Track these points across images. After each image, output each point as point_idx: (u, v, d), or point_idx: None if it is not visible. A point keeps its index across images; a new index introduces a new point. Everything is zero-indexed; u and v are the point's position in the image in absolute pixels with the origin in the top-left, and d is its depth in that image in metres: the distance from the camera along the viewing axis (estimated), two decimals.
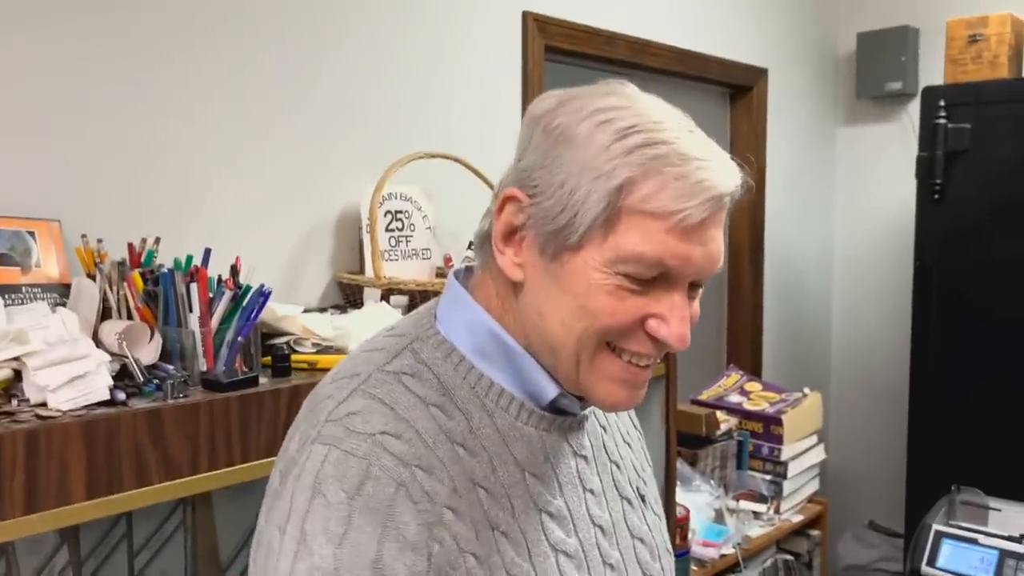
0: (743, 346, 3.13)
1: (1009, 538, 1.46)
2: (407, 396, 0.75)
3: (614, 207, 0.70)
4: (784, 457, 2.54)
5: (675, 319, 0.72)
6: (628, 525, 0.88)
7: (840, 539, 3.29)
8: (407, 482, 0.69)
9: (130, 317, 1.28)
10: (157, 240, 1.39)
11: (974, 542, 1.45)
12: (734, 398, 2.69)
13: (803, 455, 2.61)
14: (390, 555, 0.67)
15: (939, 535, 1.48)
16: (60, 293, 1.33)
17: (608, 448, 0.90)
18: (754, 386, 2.77)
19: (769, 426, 2.55)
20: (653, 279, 0.71)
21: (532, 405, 0.79)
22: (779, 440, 2.53)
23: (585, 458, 0.84)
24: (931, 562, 1.48)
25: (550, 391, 0.79)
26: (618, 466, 0.90)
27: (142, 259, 1.35)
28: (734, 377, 2.82)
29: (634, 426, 1.01)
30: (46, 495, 1.05)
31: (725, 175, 0.71)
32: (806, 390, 2.70)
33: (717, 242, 0.72)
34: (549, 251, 0.74)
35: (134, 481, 1.12)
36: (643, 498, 0.92)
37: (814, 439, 2.67)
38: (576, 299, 0.73)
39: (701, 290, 0.77)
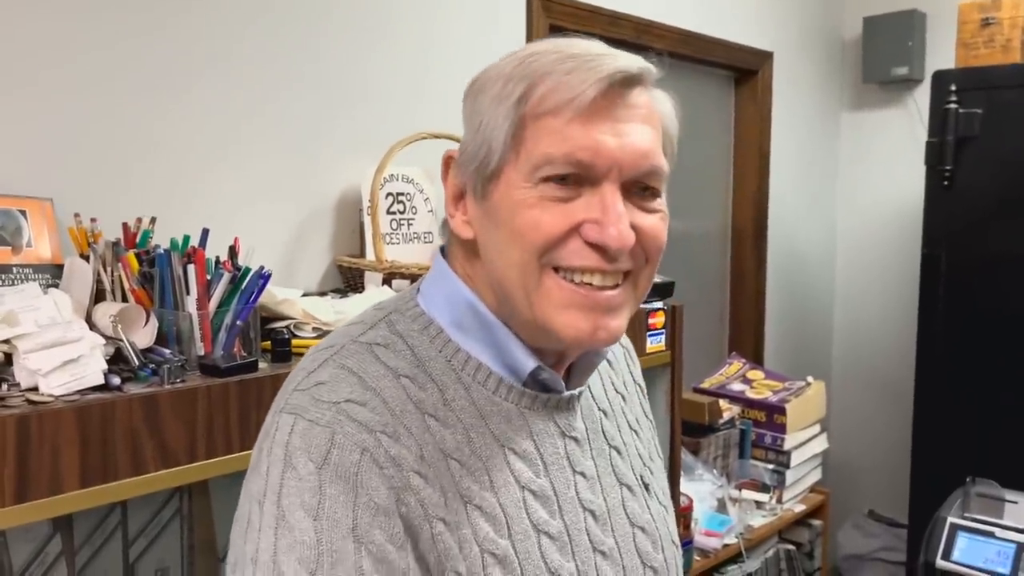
0: (745, 334, 3.10)
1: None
2: (376, 366, 0.74)
3: (518, 121, 0.71)
4: (787, 446, 2.51)
5: (609, 219, 0.70)
6: (627, 513, 0.84)
7: (840, 528, 3.27)
8: (371, 447, 0.68)
9: (124, 299, 1.24)
10: (152, 220, 1.34)
11: (990, 535, 1.42)
12: (737, 386, 2.66)
13: (806, 444, 2.59)
14: (365, 521, 0.66)
15: (954, 528, 1.45)
16: (52, 274, 1.29)
17: (608, 433, 0.87)
18: (757, 374, 2.74)
19: (772, 415, 2.52)
20: (578, 184, 0.71)
21: (512, 380, 0.77)
22: (782, 429, 2.51)
23: (576, 440, 0.81)
24: (946, 555, 1.45)
25: (528, 364, 0.77)
26: (619, 452, 0.87)
27: (137, 240, 1.31)
28: (736, 365, 2.79)
29: (645, 415, 0.98)
30: (38, 483, 1.01)
31: (623, 59, 0.71)
32: (809, 379, 2.67)
33: (638, 134, 0.71)
34: (479, 191, 0.75)
35: (129, 469, 1.08)
36: (647, 487, 0.89)
37: (817, 428, 2.65)
38: (507, 226, 0.72)
39: (660, 201, 0.75)
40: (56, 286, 1.26)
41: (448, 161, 0.80)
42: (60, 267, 1.29)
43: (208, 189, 1.56)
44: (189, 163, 1.53)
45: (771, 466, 2.53)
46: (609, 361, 0.94)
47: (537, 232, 0.70)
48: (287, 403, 0.72)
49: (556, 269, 0.72)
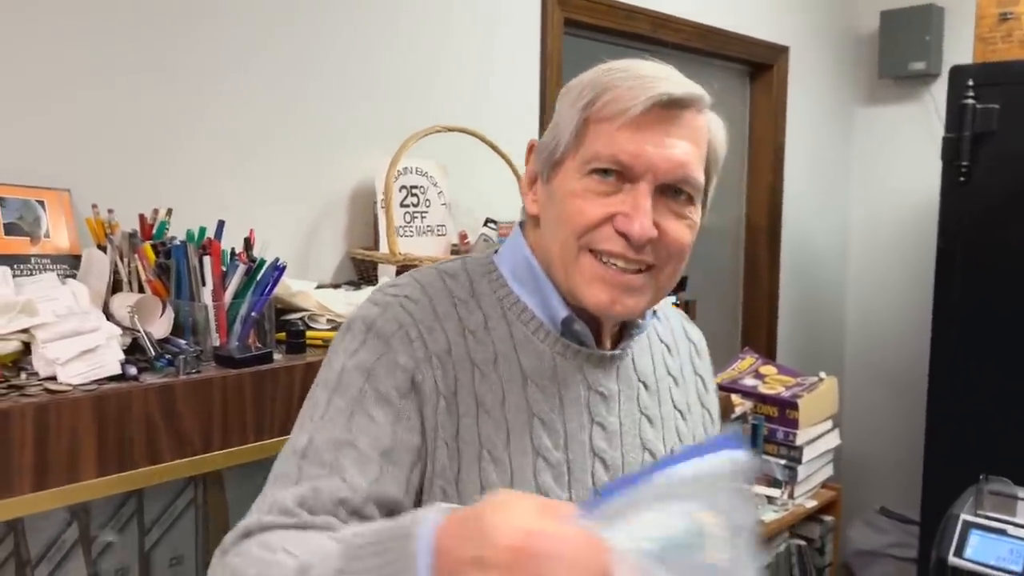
0: (758, 329, 3.09)
1: None
2: (439, 284, 0.90)
3: (582, 122, 0.85)
4: (799, 442, 2.49)
5: (637, 214, 0.82)
6: None
7: (851, 524, 3.26)
8: (407, 326, 0.85)
9: (141, 290, 1.25)
10: (169, 212, 1.35)
11: (1003, 533, 1.41)
12: (749, 381, 2.64)
13: (818, 440, 2.57)
14: (381, 370, 0.83)
15: (967, 525, 1.45)
16: (70, 264, 1.30)
17: (643, 402, 0.95)
18: (769, 369, 2.73)
19: (785, 410, 2.51)
20: (619, 180, 0.83)
21: (550, 327, 0.90)
22: (794, 424, 2.49)
23: (603, 396, 0.91)
24: (959, 552, 1.44)
25: (561, 311, 0.90)
26: (651, 421, 0.95)
27: (154, 231, 1.32)
28: (749, 360, 2.78)
29: (702, 404, 1.05)
30: (56, 471, 1.02)
31: (675, 84, 0.83)
32: (822, 374, 2.66)
33: (678, 148, 0.83)
34: (545, 175, 0.89)
35: (145, 458, 1.09)
36: None
37: (829, 424, 2.63)
38: (560, 207, 0.86)
39: (693, 209, 0.87)
40: (74, 276, 1.27)
41: (531, 148, 0.93)
42: (78, 258, 1.30)
43: (223, 182, 1.57)
44: (205, 156, 1.54)
45: (783, 461, 2.51)
46: (668, 346, 1.03)
47: (580, 218, 0.84)
48: (367, 299, 0.91)
49: (592, 251, 0.85)
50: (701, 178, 0.86)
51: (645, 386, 0.96)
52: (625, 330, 0.95)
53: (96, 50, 1.40)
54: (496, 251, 0.97)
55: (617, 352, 0.93)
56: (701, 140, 0.86)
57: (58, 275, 1.25)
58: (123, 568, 1.28)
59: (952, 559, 1.44)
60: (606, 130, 0.83)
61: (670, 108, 0.83)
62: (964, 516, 1.46)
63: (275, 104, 1.64)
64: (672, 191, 0.85)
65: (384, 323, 0.85)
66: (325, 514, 0.75)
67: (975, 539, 1.42)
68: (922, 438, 2.59)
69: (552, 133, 0.89)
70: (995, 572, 1.41)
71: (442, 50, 1.93)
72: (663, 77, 0.84)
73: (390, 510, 0.78)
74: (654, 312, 1.00)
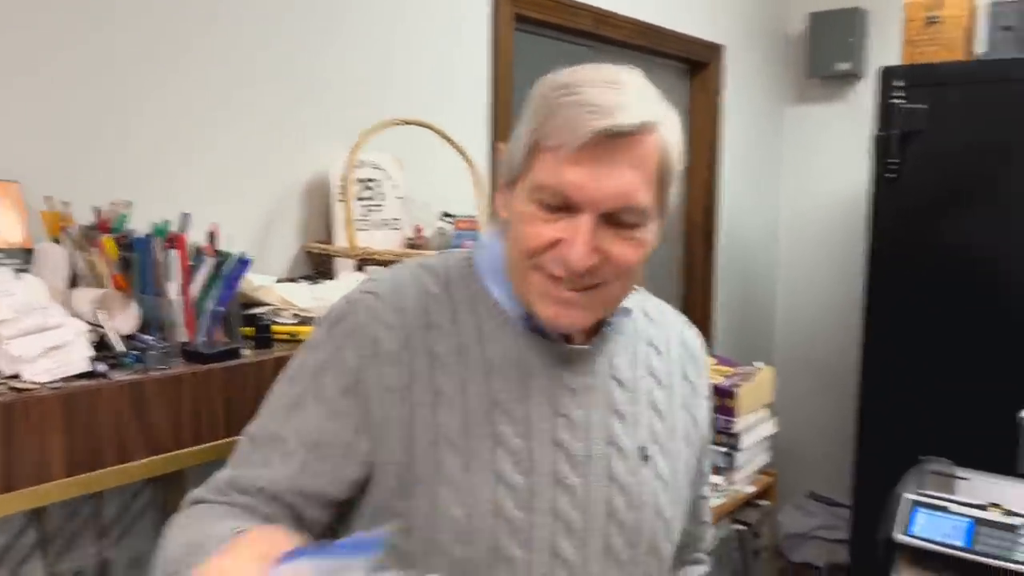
0: (695, 321, 3.16)
1: (979, 507, 1.51)
2: (413, 278, 0.94)
3: (532, 145, 0.86)
4: (738, 429, 2.57)
5: (575, 242, 0.83)
6: (610, 467, 0.93)
7: (781, 509, 3.38)
8: (365, 324, 0.89)
9: (101, 285, 1.21)
10: (128, 204, 1.31)
11: (945, 510, 1.49)
12: None
13: (756, 427, 2.66)
14: (330, 367, 0.89)
15: (912, 504, 1.52)
16: (22, 259, 1.25)
17: (616, 399, 0.96)
18: (708, 360, 2.80)
19: (724, 399, 2.58)
20: (562, 208, 0.84)
21: (519, 321, 0.93)
22: (733, 413, 2.57)
23: (570, 389, 0.93)
24: (905, 530, 1.52)
25: (521, 308, 0.92)
26: (622, 418, 0.96)
27: (112, 224, 1.28)
28: None
29: (685, 408, 1.04)
30: (23, 472, 0.99)
31: (623, 113, 0.82)
32: (759, 364, 2.75)
33: (621, 178, 0.83)
34: (507, 186, 0.91)
35: (115, 457, 1.06)
36: (646, 458, 0.96)
37: (766, 412, 2.72)
38: (514, 225, 0.89)
39: (642, 229, 0.87)
40: (26, 271, 1.22)
41: (500, 153, 0.97)
42: (30, 252, 1.25)
43: (175, 175, 1.52)
44: (158, 148, 1.50)
45: (723, 449, 2.59)
46: (657, 348, 1.03)
47: (528, 241, 0.86)
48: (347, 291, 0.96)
49: (540, 268, 0.87)
50: (647, 201, 0.85)
51: (619, 383, 0.97)
52: (599, 327, 0.97)
53: (44, 38, 1.34)
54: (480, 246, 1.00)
55: (586, 348, 0.95)
56: (649, 163, 0.85)
57: (10, 270, 1.20)
58: (81, 571, 1.24)
59: (899, 536, 1.51)
60: (551, 161, 0.84)
61: (615, 138, 0.82)
62: (908, 495, 1.54)
63: (228, 97, 1.61)
64: (616, 217, 0.85)
65: (345, 322, 0.90)
66: (248, 497, 0.86)
67: (921, 517, 1.50)
68: (850, 425, 2.70)
69: (513, 145, 0.90)
70: (940, 547, 1.49)
71: (395, 44, 1.92)
72: (611, 105, 0.82)
73: (317, 500, 0.88)
74: (629, 311, 1.00)
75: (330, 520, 0.91)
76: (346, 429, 0.88)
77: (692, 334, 1.12)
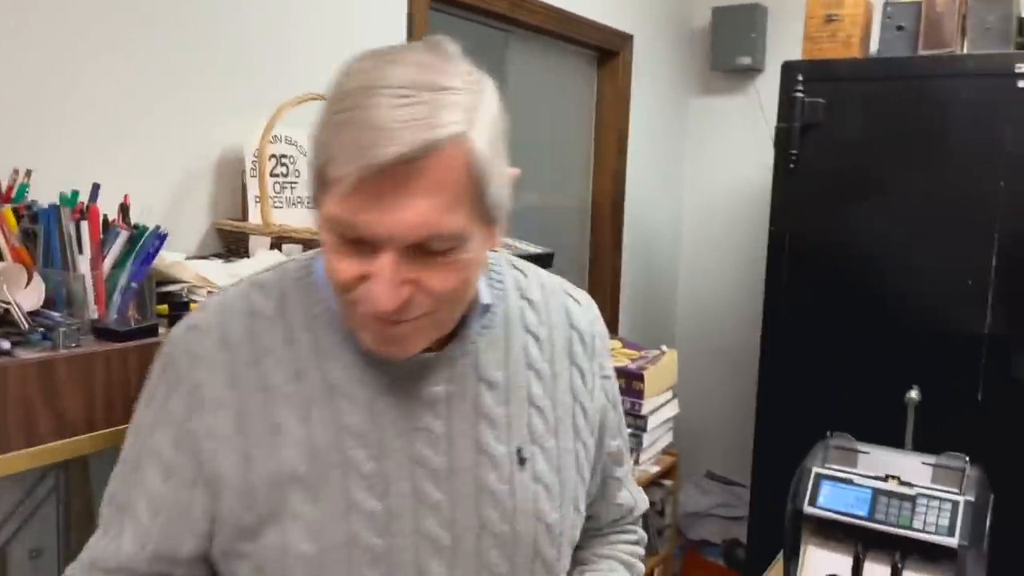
0: (602, 307, 3.22)
1: (877, 478, 1.60)
2: (242, 303, 0.86)
3: (319, 170, 0.73)
4: (644, 411, 2.64)
5: (377, 282, 0.73)
6: (478, 477, 0.87)
7: (680, 489, 3.49)
8: (187, 370, 0.83)
9: (1, 258, 1.14)
10: (28, 173, 1.23)
11: (849, 482, 1.57)
12: None
13: (661, 409, 2.73)
14: (160, 422, 0.84)
15: (819, 477, 1.60)
16: None
17: (484, 404, 0.88)
18: (615, 343, 2.86)
19: (631, 381, 2.64)
20: (363, 242, 0.73)
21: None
22: (640, 395, 2.63)
23: (426, 401, 0.85)
24: (812, 502, 1.59)
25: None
26: (492, 422, 0.88)
27: (13, 194, 1.20)
28: None
29: (575, 398, 0.97)
30: None
31: (403, 139, 0.69)
32: (663, 347, 2.82)
33: (413, 209, 0.71)
34: (314, 205, 0.79)
35: (23, 440, 1.00)
36: (522, 461, 0.90)
37: (670, 394, 2.80)
38: (324, 253, 0.79)
39: (457, 251, 0.75)
40: None
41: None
42: None
43: (79, 148, 1.44)
44: (63, 119, 1.41)
45: (630, 430, 2.65)
46: (535, 336, 0.94)
47: (336, 275, 0.76)
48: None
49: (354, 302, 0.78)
50: (457, 224, 0.73)
51: (489, 384, 0.89)
52: (457, 330, 0.88)
53: None
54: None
55: (440, 354, 0.86)
56: (452, 181, 0.72)
57: None
58: None
59: (807, 508, 1.58)
60: (337, 192, 0.71)
61: (406, 164, 0.69)
62: (815, 469, 1.61)
63: (136, 68, 1.53)
64: (426, 245, 0.73)
65: (169, 369, 0.85)
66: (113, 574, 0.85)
67: (826, 489, 1.57)
68: (749, 407, 2.81)
69: (310, 158, 0.77)
70: (844, 517, 1.57)
71: (310, 18, 1.87)
72: (395, 127, 0.69)
73: (180, 561, 0.85)
74: (487, 308, 0.91)
75: (210, 571, 0.88)
76: (183, 486, 0.83)
77: (581, 312, 1.01)
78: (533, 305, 0.96)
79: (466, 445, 0.86)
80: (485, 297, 0.90)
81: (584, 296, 1.05)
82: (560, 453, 0.94)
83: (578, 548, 1.04)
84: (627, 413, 2.63)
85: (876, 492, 1.54)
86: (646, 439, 2.67)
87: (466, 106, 0.73)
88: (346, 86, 0.73)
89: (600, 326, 1.04)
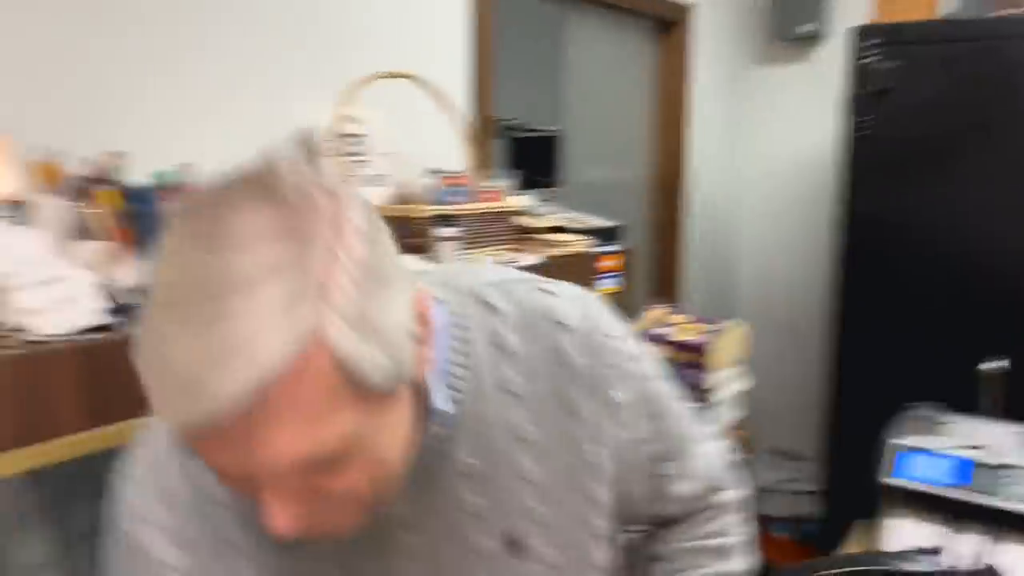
0: (667, 281, 3.21)
1: (969, 447, 1.56)
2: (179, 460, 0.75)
3: None
4: (709, 385, 2.62)
5: (269, 510, 0.60)
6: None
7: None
8: (131, 543, 0.77)
9: (101, 238, 1.17)
10: (121, 155, 1.27)
11: (939, 453, 1.54)
12: (661, 330, 2.75)
13: (728, 383, 2.71)
14: None
15: (905, 448, 1.57)
16: (14, 211, 1.20)
17: (466, 499, 0.77)
18: (679, 318, 2.84)
19: (698, 355, 2.62)
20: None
21: None
22: (706, 369, 2.61)
23: (399, 523, 0.76)
24: (899, 473, 1.57)
25: None
26: (478, 516, 0.78)
27: (109, 176, 1.23)
28: (658, 311, 2.88)
29: (572, 451, 0.82)
30: (36, 427, 0.96)
31: (199, 400, 0.52)
32: (732, 321, 2.79)
33: (275, 446, 0.55)
34: None
35: (129, 412, 1.03)
36: (517, 545, 0.80)
37: (738, 368, 2.78)
38: None
39: (352, 461, 0.60)
40: (22, 224, 1.17)
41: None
42: (22, 204, 1.20)
43: (160, 126, 1.48)
44: (153, 101, 1.45)
45: (697, 405, 2.63)
46: (515, 394, 0.78)
47: (234, 492, 0.68)
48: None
49: None
50: (335, 440, 0.57)
51: (465, 476, 0.76)
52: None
53: None
54: None
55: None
56: (305, 401, 0.54)
57: (6, 223, 1.15)
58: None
59: (890, 480, 1.56)
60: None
61: (224, 419, 0.53)
62: (901, 440, 1.58)
63: (223, 51, 1.56)
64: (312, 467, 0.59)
65: (115, 537, 0.78)
66: None
67: (914, 460, 1.55)
68: (814, 381, 2.78)
69: None
70: (927, 486, 1.54)
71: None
72: (195, 381, 0.52)
73: None
74: (446, 415, 0.75)
75: None
76: None
77: (573, 340, 0.81)
78: (510, 357, 0.78)
79: (449, 548, 0.77)
80: (439, 401, 0.74)
81: (575, 311, 0.83)
82: (565, 525, 0.82)
83: (659, 542, 0.97)
84: (691, 386, 2.62)
85: (968, 463, 1.50)
86: (711, 414, 2.65)
87: (298, 293, 0.53)
88: (152, 293, 0.56)
89: (598, 337, 0.82)
